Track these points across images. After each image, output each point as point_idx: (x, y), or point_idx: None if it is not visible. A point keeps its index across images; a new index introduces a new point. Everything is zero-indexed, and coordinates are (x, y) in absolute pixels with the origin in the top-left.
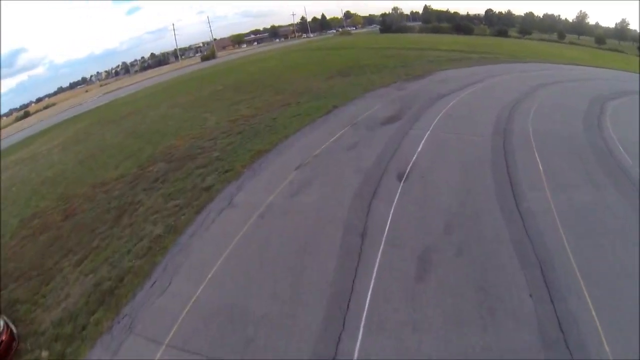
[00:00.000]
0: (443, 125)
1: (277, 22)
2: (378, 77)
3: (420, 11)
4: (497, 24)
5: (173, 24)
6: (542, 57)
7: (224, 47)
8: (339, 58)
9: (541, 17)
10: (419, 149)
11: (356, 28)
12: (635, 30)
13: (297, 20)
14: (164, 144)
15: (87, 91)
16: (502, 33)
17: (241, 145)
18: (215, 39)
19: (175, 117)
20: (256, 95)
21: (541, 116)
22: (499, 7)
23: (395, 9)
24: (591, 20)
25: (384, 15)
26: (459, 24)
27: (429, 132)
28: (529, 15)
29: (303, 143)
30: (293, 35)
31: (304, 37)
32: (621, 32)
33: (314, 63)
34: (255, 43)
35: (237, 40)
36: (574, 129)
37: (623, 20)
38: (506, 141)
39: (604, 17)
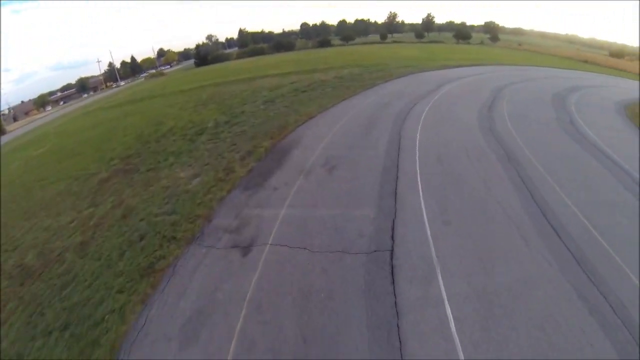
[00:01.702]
0: None
1: (90, 72)
2: (187, 171)
3: (236, 36)
4: (315, 36)
5: None
6: (393, 58)
7: (26, 113)
8: (134, 120)
9: (353, 22)
10: None
11: (171, 66)
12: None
13: (106, 66)
14: None
15: None
16: (325, 43)
17: None
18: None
19: None
20: None
21: None
22: (314, 20)
23: (209, 36)
24: (401, 19)
25: (198, 47)
26: (279, 42)
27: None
28: (342, 22)
29: None
30: (103, 86)
31: (114, 87)
32: (428, 25)
33: (94, 142)
34: (62, 102)
35: (41, 102)
36: None
37: (429, 15)
38: None
39: (410, 15)
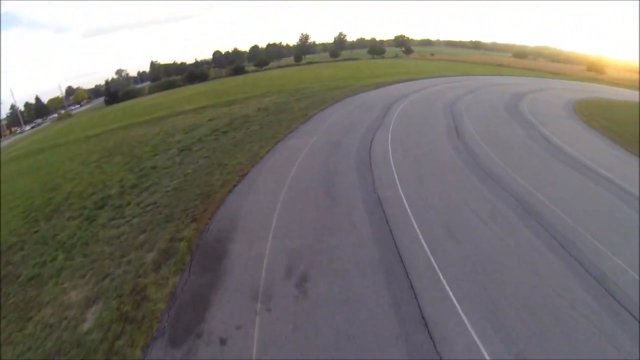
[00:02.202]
0: None
1: None
2: (79, 289)
3: (147, 69)
4: (228, 63)
5: None
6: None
7: None
8: (27, 183)
9: (265, 47)
10: None
11: (81, 105)
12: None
13: (8, 109)
14: None
15: None
16: (239, 70)
17: None
18: None
19: None
20: None
21: None
22: (226, 48)
23: (119, 71)
24: (312, 40)
25: (107, 83)
26: (192, 72)
27: None
28: (255, 48)
29: None
30: (6, 133)
31: (18, 132)
32: (341, 43)
33: None
34: None
35: None
36: None
37: (340, 34)
38: None
39: (322, 35)
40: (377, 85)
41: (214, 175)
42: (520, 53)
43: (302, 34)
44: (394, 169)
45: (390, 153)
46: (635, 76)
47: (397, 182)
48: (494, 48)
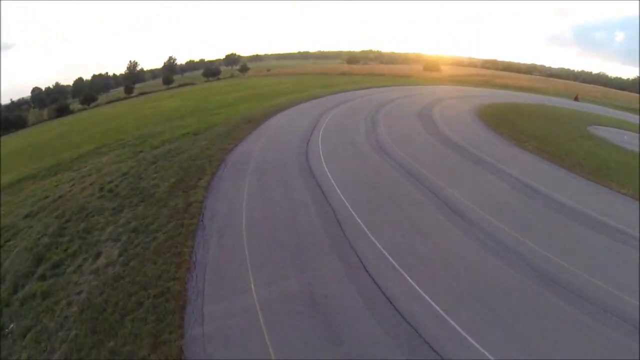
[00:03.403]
0: None
1: None
2: None
3: None
4: (50, 102)
5: None
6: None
7: None
8: None
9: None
10: None
11: None
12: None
13: None
14: None
15: None
16: (63, 111)
17: None
18: None
19: None
20: None
21: None
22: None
23: None
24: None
25: None
26: (7, 119)
27: None
28: (79, 81)
29: None
30: None
31: None
32: (171, 68)
33: None
34: None
35: None
36: None
37: (170, 58)
38: None
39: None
40: (250, 122)
41: None
42: (352, 58)
43: (130, 61)
44: None
45: None
46: (471, 70)
47: None
48: (322, 56)
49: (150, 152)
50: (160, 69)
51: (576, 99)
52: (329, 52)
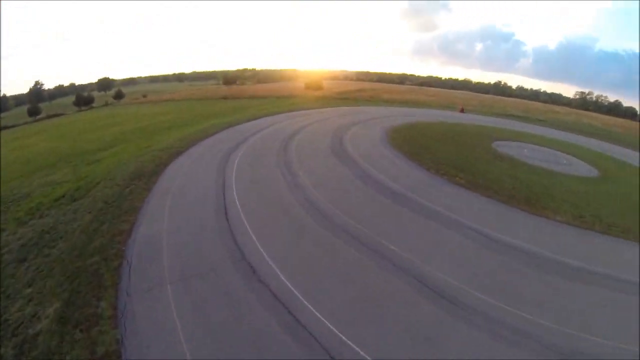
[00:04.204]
0: None
1: None
2: None
3: None
4: None
5: None
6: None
7: None
8: None
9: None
10: None
11: None
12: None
13: None
14: None
15: None
16: None
17: None
18: None
19: None
20: None
21: None
22: None
23: None
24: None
25: None
26: None
27: None
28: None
29: None
30: None
31: None
32: (38, 94)
33: None
34: None
35: None
36: None
37: (37, 82)
38: None
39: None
40: (141, 177)
41: None
42: (229, 79)
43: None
44: None
45: None
46: (351, 84)
47: None
48: (197, 77)
49: (13, 235)
50: (26, 95)
51: (462, 111)
52: (204, 73)
